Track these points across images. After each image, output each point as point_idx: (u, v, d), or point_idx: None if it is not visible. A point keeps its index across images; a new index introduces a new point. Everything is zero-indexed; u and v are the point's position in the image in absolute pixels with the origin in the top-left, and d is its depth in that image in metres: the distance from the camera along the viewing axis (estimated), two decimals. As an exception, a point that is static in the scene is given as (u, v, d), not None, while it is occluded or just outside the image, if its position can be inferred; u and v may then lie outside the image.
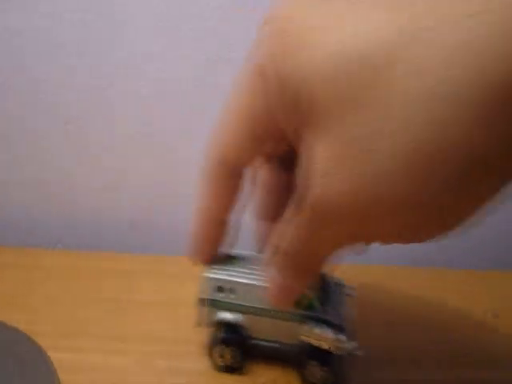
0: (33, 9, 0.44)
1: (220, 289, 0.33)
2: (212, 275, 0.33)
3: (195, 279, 0.44)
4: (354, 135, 0.20)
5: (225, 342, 0.34)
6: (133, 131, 0.49)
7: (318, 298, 0.32)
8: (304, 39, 0.20)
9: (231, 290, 0.33)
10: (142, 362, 0.36)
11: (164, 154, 0.50)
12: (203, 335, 0.38)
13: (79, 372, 0.34)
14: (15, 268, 0.45)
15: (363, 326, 0.34)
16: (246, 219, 0.33)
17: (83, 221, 0.52)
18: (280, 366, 0.35)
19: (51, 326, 0.38)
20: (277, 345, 0.34)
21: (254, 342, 0.34)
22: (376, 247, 0.25)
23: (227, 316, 0.34)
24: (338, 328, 0.32)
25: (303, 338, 0.32)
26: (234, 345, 0.34)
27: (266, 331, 0.33)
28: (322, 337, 0.31)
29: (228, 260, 0.34)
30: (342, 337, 0.31)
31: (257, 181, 0.32)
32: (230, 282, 0.33)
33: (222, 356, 0.34)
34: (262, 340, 0.34)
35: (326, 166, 0.21)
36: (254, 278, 0.32)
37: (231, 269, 0.33)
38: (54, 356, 0.32)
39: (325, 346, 0.31)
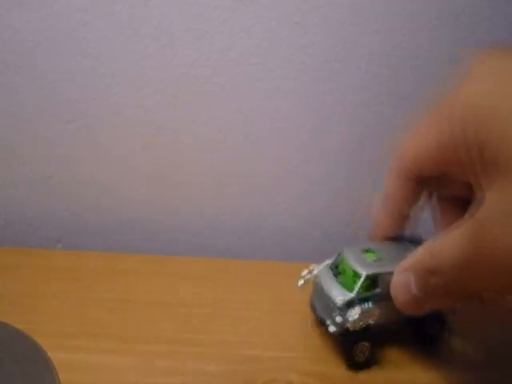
0: (33, 9, 0.44)
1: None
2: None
3: (195, 279, 0.45)
4: None
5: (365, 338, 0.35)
6: (133, 131, 0.49)
7: None
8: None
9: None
10: (142, 362, 0.36)
11: (164, 155, 0.50)
12: (203, 335, 0.38)
13: (79, 372, 0.34)
14: (15, 268, 0.45)
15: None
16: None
17: (83, 221, 0.52)
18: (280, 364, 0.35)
19: (51, 325, 0.38)
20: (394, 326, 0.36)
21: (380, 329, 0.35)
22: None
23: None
24: None
25: None
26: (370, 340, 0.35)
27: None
28: None
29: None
30: None
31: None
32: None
33: (361, 352, 0.35)
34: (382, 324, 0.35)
35: (496, 214, 0.23)
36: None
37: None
38: (54, 356, 0.32)
39: None
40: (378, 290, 0.34)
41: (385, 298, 0.33)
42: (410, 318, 0.35)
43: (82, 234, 0.52)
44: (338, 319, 0.34)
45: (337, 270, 0.36)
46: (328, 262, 0.37)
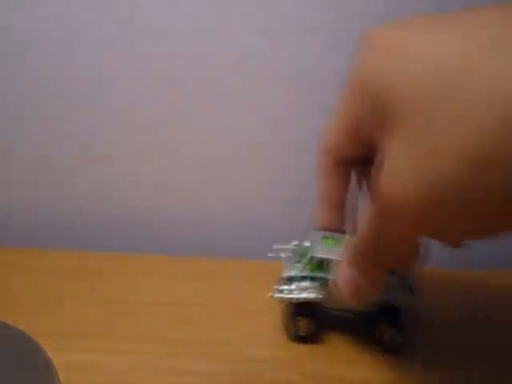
0: (33, 9, 0.44)
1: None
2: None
3: (195, 279, 0.45)
4: (425, 135, 0.21)
5: (301, 313, 0.37)
6: (133, 131, 0.49)
7: None
8: (396, 55, 0.24)
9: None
10: (142, 362, 0.36)
11: (164, 155, 0.50)
12: (203, 335, 0.38)
13: (79, 372, 0.34)
14: (15, 268, 0.45)
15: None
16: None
17: (83, 221, 0.52)
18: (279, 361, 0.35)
19: (51, 325, 0.38)
20: (348, 314, 0.37)
21: (326, 311, 0.37)
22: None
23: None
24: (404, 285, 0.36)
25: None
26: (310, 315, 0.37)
27: (337, 301, 0.36)
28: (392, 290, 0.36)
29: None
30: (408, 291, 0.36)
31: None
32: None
33: (298, 327, 0.37)
34: (334, 309, 0.37)
35: (396, 162, 0.23)
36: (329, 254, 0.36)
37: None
38: (54, 356, 0.32)
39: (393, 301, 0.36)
40: (321, 274, 0.36)
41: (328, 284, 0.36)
42: (360, 314, 0.37)
43: (82, 233, 0.52)
44: (281, 288, 0.37)
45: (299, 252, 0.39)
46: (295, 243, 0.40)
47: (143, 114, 0.48)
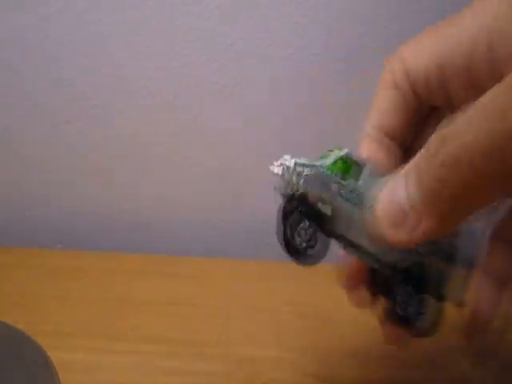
0: (33, 9, 0.44)
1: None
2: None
3: (195, 279, 0.45)
4: None
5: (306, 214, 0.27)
6: (133, 131, 0.49)
7: None
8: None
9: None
10: (142, 361, 0.36)
11: (164, 154, 0.50)
12: (203, 335, 0.38)
13: (79, 372, 0.34)
14: (15, 268, 0.45)
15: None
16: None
17: (83, 221, 0.52)
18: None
19: (51, 325, 0.38)
20: (369, 257, 0.27)
21: (339, 239, 0.27)
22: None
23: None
24: None
25: None
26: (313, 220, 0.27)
27: (360, 230, 0.26)
28: None
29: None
30: None
31: None
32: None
33: (295, 232, 0.27)
34: (349, 241, 0.27)
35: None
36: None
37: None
38: (53, 356, 0.32)
39: None
40: (352, 184, 0.26)
41: (355, 202, 0.26)
42: (387, 266, 0.27)
43: (82, 234, 0.52)
44: (287, 163, 0.28)
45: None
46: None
47: (144, 114, 0.48)
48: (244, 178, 0.50)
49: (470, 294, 0.27)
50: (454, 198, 0.21)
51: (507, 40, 0.24)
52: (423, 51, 0.27)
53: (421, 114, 0.29)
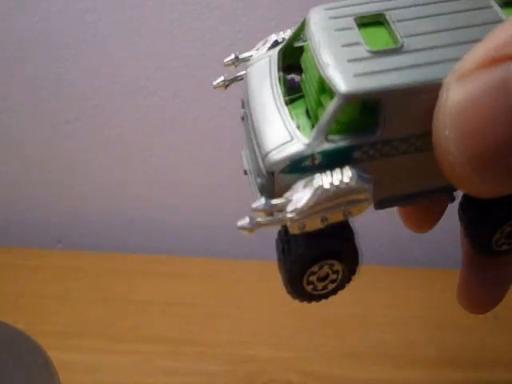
0: (33, 9, 0.44)
1: None
2: None
3: (195, 279, 0.45)
4: None
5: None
6: (133, 131, 0.49)
7: None
8: None
9: None
10: (142, 361, 0.36)
11: (164, 154, 0.50)
12: (203, 335, 0.38)
13: (79, 372, 0.34)
14: (15, 268, 0.45)
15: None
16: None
17: (83, 221, 0.52)
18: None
19: (51, 325, 0.38)
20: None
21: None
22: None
23: None
24: None
25: None
26: None
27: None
28: None
29: None
30: None
31: None
32: None
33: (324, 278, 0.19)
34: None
35: None
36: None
37: None
38: (53, 356, 0.32)
39: None
40: (377, 133, 0.16)
41: (401, 150, 0.16)
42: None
43: (82, 234, 0.52)
44: (258, 200, 0.17)
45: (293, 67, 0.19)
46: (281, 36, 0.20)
47: (144, 114, 0.48)
48: (243, 180, 0.50)
49: None
50: None
51: None
52: None
53: None
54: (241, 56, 0.22)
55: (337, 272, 0.18)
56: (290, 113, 0.17)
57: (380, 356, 0.36)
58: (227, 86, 0.23)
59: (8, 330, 0.34)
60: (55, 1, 0.44)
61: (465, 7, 0.16)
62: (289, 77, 0.19)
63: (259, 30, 0.45)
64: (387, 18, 0.16)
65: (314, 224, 0.16)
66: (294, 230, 0.16)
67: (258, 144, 0.17)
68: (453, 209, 0.22)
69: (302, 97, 0.18)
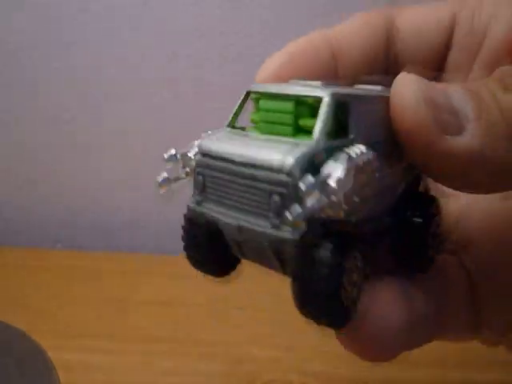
0: (33, 9, 0.44)
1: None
2: None
3: (195, 279, 0.44)
4: None
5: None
6: (133, 131, 0.49)
7: None
8: None
9: None
10: (142, 362, 0.36)
11: (164, 154, 0.50)
12: (203, 335, 0.38)
13: (79, 372, 0.34)
14: (15, 268, 0.45)
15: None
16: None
17: (83, 221, 0.52)
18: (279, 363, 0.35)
19: (51, 325, 0.38)
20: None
21: None
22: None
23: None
24: None
25: None
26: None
27: None
28: None
29: None
30: None
31: None
32: None
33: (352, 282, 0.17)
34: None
35: None
36: None
37: None
38: (54, 356, 0.32)
39: None
40: (351, 135, 0.17)
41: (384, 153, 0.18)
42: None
43: (81, 234, 0.52)
44: (293, 208, 0.15)
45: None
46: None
47: (144, 114, 0.48)
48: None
49: None
50: None
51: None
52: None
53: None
54: (179, 154, 0.22)
55: (358, 269, 0.17)
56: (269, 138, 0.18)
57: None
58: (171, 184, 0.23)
59: (8, 330, 0.34)
60: (55, 1, 0.44)
61: None
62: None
63: (259, 29, 0.45)
64: None
65: (353, 207, 0.16)
66: (339, 213, 0.15)
67: (265, 167, 0.17)
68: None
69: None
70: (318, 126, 0.16)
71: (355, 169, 0.16)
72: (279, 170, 0.16)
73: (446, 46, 0.24)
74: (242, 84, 0.45)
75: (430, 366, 0.36)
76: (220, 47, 0.46)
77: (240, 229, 0.18)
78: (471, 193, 0.19)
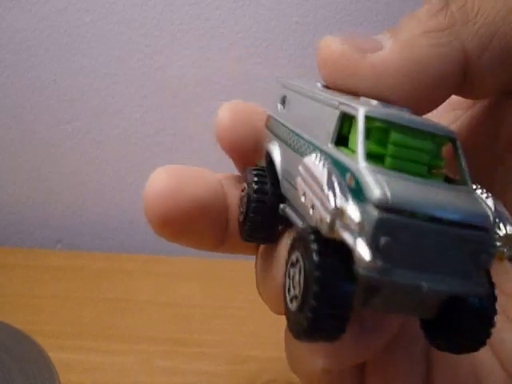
0: (33, 9, 0.44)
1: None
2: None
3: (195, 279, 0.45)
4: None
5: None
6: (133, 131, 0.49)
7: None
8: None
9: None
10: (141, 362, 0.36)
11: (164, 154, 0.50)
12: (203, 335, 0.38)
13: (79, 372, 0.34)
14: (15, 268, 0.45)
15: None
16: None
17: (83, 221, 0.52)
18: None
19: (51, 325, 0.38)
20: None
21: None
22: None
23: None
24: None
25: None
26: None
27: None
28: None
29: None
30: None
31: None
32: None
33: None
34: None
35: None
36: None
37: None
38: (54, 356, 0.32)
39: None
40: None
41: None
42: None
43: (82, 234, 0.52)
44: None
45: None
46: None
47: (144, 114, 0.48)
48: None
49: None
50: None
51: None
52: None
53: None
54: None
55: None
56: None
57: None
58: None
59: (8, 330, 0.34)
60: (55, 1, 0.44)
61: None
62: None
63: (259, 30, 0.45)
64: None
65: None
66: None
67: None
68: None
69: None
70: (466, 171, 0.16)
71: None
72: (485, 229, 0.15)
73: None
74: (242, 84, 0.45)
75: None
76: (220, 47, 0.46)
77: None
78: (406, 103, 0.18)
